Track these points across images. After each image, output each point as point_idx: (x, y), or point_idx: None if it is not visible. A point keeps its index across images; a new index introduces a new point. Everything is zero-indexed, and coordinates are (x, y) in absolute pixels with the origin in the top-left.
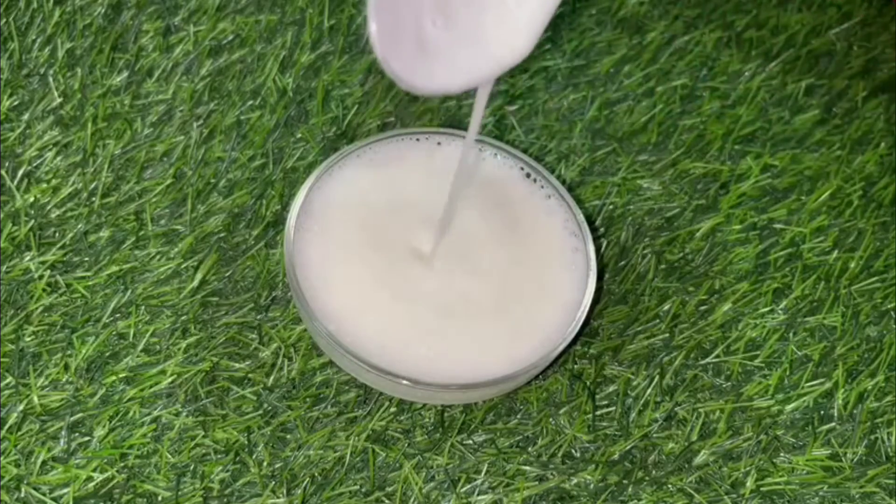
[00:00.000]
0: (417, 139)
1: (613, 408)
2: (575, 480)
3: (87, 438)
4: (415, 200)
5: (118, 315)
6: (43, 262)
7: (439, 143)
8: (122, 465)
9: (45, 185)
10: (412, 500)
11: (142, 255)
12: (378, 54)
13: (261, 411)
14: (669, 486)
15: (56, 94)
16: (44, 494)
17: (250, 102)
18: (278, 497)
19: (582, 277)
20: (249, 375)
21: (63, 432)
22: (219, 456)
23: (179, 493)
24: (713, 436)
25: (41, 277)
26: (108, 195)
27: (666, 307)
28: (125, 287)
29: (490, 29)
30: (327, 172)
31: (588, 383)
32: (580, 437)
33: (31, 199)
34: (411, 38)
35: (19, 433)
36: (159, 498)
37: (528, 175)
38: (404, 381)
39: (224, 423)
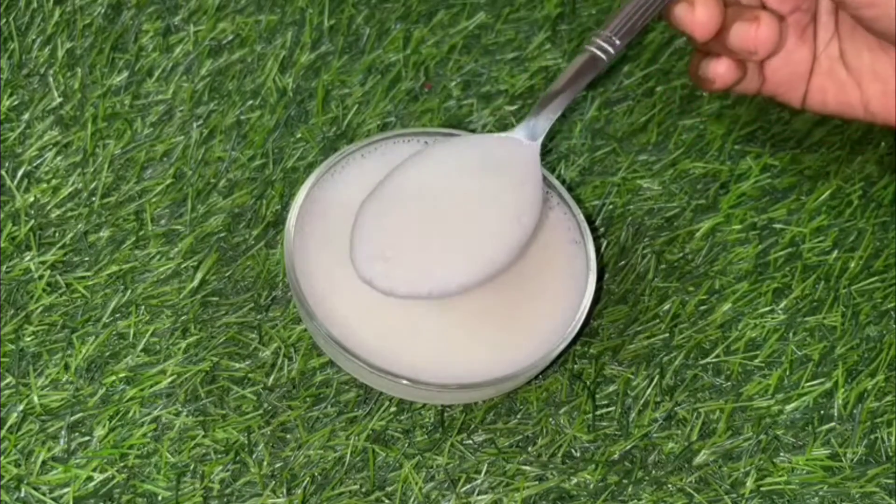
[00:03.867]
0: (426, 142)
1: (613, 408)
2: (575, 480)
3: (87, 438)
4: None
5: (118, 315)
6: (43, 262)
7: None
8: (122, 465)
9: (45, 185)
10: (412, 499)
11: (142, 255)
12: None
13: (261, 411)
14: (669, 485)
15: (56, 94)
16: (44, 494)
17: (250, 102)
18: (278, 497)
19: (582, 277)
20: (249, 375)
21: (63, 432)
22: (219, 456)
23: (179, 493)
24: (713, 436)
25: (41, 277)
26: (108, 195)
27: (666, 307)
28: (125, 287)
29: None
30: (327, 172)
31: (588, 383)
32: (580, 437)
33: (31, 199)
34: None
35: (19, 433)
36: (159, 498)
37: None
38: (404, 381)
39: (224, 423)
